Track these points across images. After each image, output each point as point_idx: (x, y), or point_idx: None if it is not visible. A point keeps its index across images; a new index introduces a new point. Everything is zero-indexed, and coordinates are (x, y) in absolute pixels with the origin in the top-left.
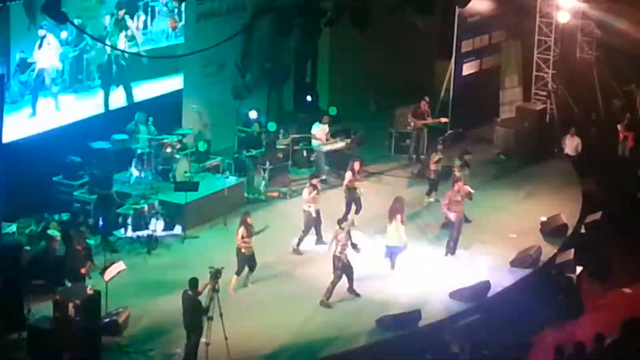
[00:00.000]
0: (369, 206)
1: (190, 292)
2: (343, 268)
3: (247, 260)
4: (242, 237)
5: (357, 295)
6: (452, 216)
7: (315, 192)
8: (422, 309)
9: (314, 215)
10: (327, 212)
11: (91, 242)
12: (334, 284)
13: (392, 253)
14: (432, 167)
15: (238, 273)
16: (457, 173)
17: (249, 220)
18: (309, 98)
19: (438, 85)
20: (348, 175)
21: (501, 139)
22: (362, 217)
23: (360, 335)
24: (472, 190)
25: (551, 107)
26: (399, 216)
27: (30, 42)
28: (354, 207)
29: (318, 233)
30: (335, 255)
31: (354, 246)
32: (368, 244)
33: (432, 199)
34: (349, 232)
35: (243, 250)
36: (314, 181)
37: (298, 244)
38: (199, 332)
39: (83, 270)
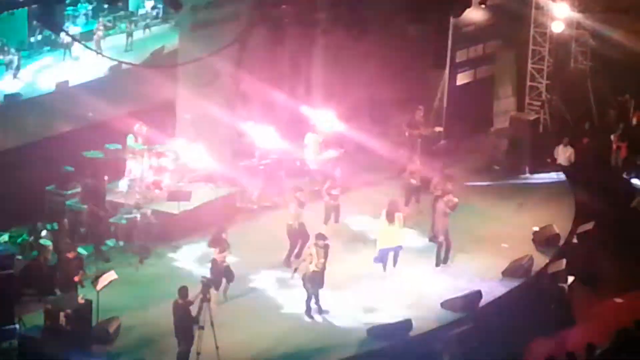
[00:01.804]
0: (358, 215)
1: (180, 301)
2: (310, 280)
3: (226, 273)
4: (218, 252)
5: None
6: (442, 229)
7: (298, 205)
8: (413, 318)
9: (297, 228)
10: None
11: (83, 251)
12: (307, 302)
13: (387, 255)
14: (410, 176)
15: (217, 287)
16: (444, 186)
17: (223, 235)
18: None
19: (432, 95)
20: (327, 183)
21: (494, 149)
22: (353, 225)
23: (351, 344)
24: (456, 200)
25: (545, 117)
26: (397, 216)
27: None
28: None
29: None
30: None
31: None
32: (356, 253)
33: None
34: (325, 246)
35: (218, 263)
36: (298, 195)
37: (288, 257)
38: (189, 341)
39: (76, 279)
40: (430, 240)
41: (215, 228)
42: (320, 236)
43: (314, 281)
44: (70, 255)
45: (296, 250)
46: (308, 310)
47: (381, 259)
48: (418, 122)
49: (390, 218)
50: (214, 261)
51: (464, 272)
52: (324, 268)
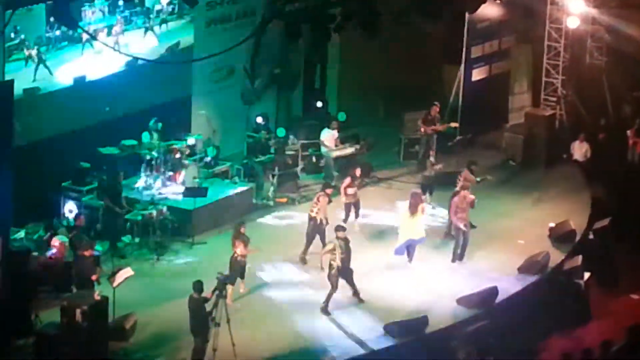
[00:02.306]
0: (376, 211)
1: (195, 295)
2: (338, 274)
3: (242, 270)
4: (238, 247)
5: (361, 301)
6: (460, 225)
7: (327, 200)
8: (429, 315)
9: (318, 223)
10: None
11: (99, 248)
12: (330, 292)
13: (409, 246)
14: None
15: (232, 283)
16: (464, 181)
17: (242, 229)
18: (319, 104)
19: (447, 91)
20: (346, 180)
21: (510, 145)
22: (370, 222)
23: (367, 341)
24: (475, 199)
25: (560, 112)
26: (420, 207)
27: None
28: (354, 211)
29: (324, 244)
30: (330, 262)
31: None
32: (374, 249)
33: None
34: (345, 239)
35: (239, 260)
36: (328, 191)
37: (304, 253)
38: (204, 335)
39: (94, 277)
40: (445, 236)
41: (235, 223)
42: (340, 228)
43: (341, 275)
44: (87, 253)
45: (311, 247)
46: (326, 304)
47: (403, 251)
48: (434, 118)
49: (413, 210)
50: (234, 257)
51: (480, 269)
52: (348, 261)
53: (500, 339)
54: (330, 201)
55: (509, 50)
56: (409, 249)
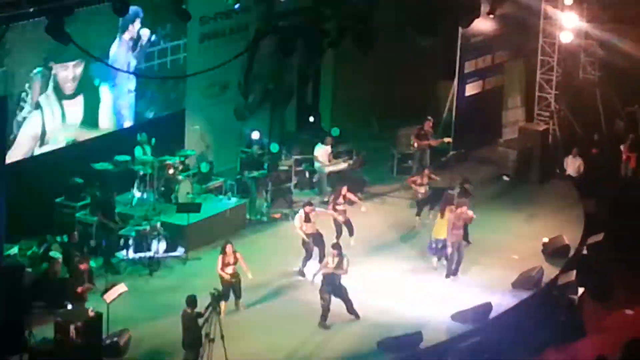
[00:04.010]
0: (371, 226)
1: (188, 310)
2: (332, 291)
3: (231, 287)
4: (220, 266)
5: (357, 317)
6: (453, 240)
7: (306, 220)
8: (423, 330)
9: (306, 239)
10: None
11: (92, 264)
12: (323, 306)
13: (442, 246)
14: (417, 189)
15: (225, 299)
16: (458, 198)
17: (227, 248)
18: (311, 119)
19: (441, 106)
20: (332, 199)
21: (503, 160)
22: (364, 237)
23: (361, 357)
24: (474, 216)
25: (554, 127)
26: (450, 209)
27: None
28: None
29: (323, 256)
30: (323, 277)
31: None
32: (369, 265)
33: (418, 222)
34: (340, 255)
35: (224, 278)
36: (307, 209)
37: (303, 266)
38: (196, 350)
39: (80, 290)
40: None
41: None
42: (335, 246)
43: (333, 293)
44: (83, 266)
45: (310, 260)
46: (324, 319)
47: (433, 250)
48: (427, 132)
49: (442, 212)
50: (223, 279)
51: (474, 284)
52: (339, 278)
53: (495, 355)
54: (309, 221)
55: (503, 65)
56: (439, 250)
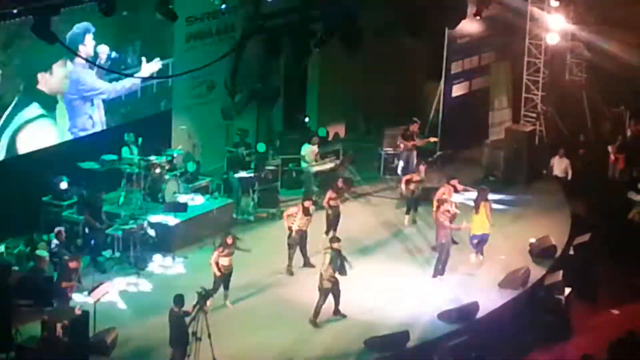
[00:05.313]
0: (358, 226)
1: (176, 309)
2: (330, 289)
3: (222, 280)
4: (216, 258)
5: (343, 316)
6: (442, 240)
7: (305, 213)
8: (410, 329)
9: (293, 235)
10: (312, 231)
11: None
12: (319, 304)
13: (479, 241)
14: (406, 186)
15: (214, 292)
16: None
17: (228, 240)
18: (306, 119)
19: (428, 107)
20: (329, 193)
21: (490, 161)
22: (350, 237)
23: (348, 356)
24: (455, 211)
25: (540, 128)
26: (484, 204)
27: None
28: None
29: (304, 255)
30: (322, 275)
31: (342, 267)
32: (355, 264)
33: (407, 220)
34: (339, 252)
35: (220, 270)
36: (306, 203)
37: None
38: (182, 349)
39: (64, 285)
40: (434, 249)
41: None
42: (334, 239)
43: (332, 290)
44: (72, 264)
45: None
46: (315, 317)
47: (473, 245)
48: (413, 133)
49: (477, 207)
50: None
51: (461, 283)
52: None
53: (481, 354)
54: (308, 214)
55: (489, 66)
56: (478, 244)
